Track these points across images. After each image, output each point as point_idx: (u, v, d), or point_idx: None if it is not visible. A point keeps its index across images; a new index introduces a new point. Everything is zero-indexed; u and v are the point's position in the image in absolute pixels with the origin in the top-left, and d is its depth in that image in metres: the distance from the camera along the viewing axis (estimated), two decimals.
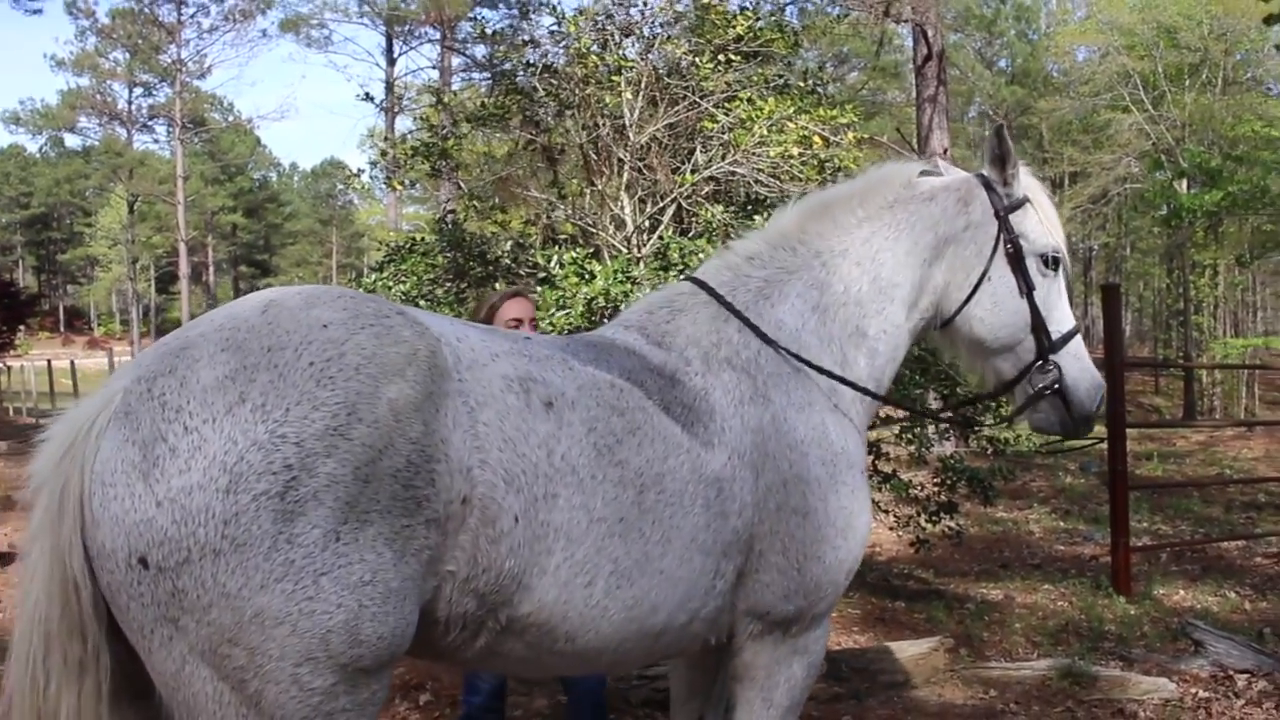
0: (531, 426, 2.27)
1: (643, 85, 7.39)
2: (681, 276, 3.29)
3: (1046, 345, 3.09)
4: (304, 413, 1.94)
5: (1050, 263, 3.13)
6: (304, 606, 1.91)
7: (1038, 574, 9.10)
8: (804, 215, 3.15)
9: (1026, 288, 3.08)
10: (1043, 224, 3.14)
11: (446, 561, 2.15)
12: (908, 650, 5.92)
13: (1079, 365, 3.12)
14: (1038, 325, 3.09)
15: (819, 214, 3.14)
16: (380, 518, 1.99)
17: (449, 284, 7.43)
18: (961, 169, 3.38)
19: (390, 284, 7.04)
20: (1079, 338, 3.18)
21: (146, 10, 44.93)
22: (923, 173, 3.25)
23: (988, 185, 3.15)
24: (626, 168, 7.39)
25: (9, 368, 27.60)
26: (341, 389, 1.99)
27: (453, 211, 8.83)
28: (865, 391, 2.97)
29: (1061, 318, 3.13)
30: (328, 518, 1.93)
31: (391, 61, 40.43)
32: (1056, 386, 3.10)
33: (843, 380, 2.92)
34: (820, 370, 2.88)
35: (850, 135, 7.55)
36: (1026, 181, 3.19)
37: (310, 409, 1.95)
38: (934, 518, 7.67)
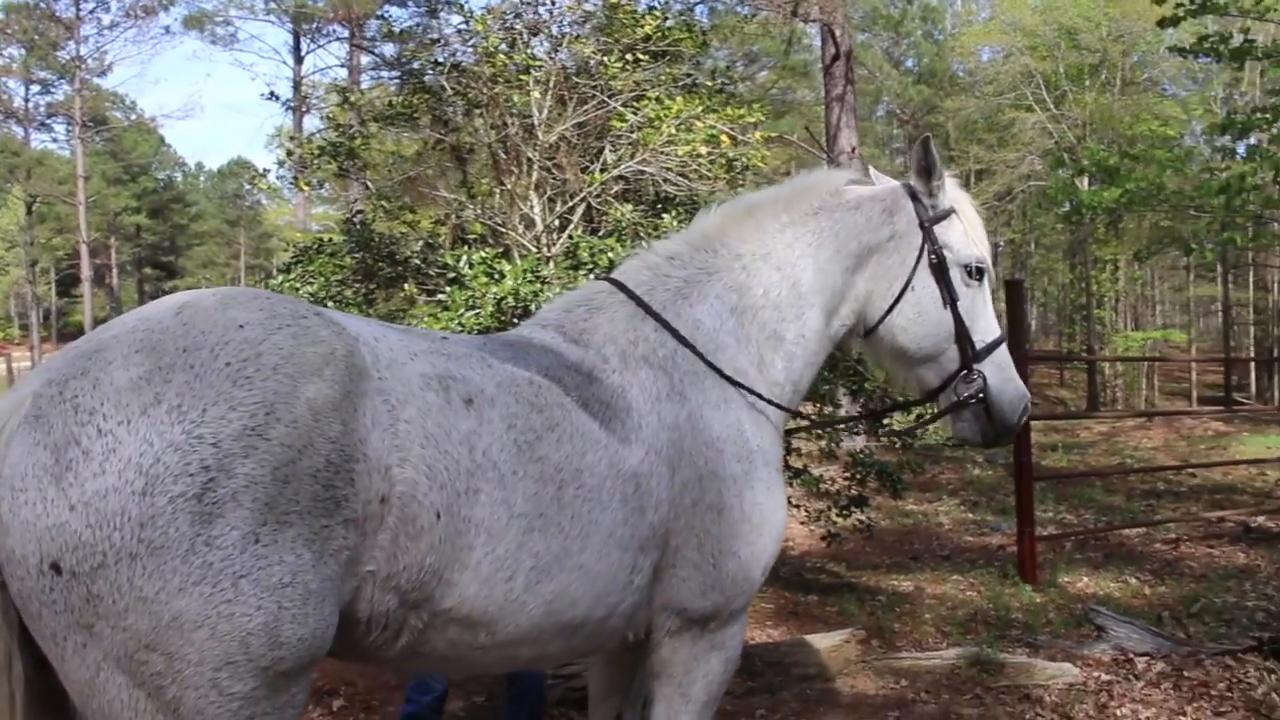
0: (453, 423, 2.28)
1: (551, 84, 7.37)
2: (600, 276, 3.29)
3: (970, 355, 3.12)
4: (221, 413, 1.92)
5: (974, 273, 3.16)
6: (223, 610, 1.89)
7: (947, 565, 9.27)
8: (727, 218, 3.17)
9: (950, 298, 3.11)
10: (967, 235, 3.18)
11: (366, 561, 2.14)
12: (820, 643, 5.99)
13: (1002, 376, 3.16)
14: (961, 335, 3.12)
15: (742, 217, 3.16)
16: (300, 519, 1.97)
17: (358, 285, 7.33)
18: (885, 173, 3.43)
19: (298, 285, 6.91)
20: (1004, 348, 3.21)
21: (43, 5, 43.59)
22: (850, 181, 3.28)
23: (914, 195, 3.19)
24: (535, 167, 7.36)
25: None
26: (259, 389, 1.97)
27: (361, 212, 8.71)
28: (770, 402, 2.98)
29: (986, 328, 3.17)
30: (246, 519, 1.90)
31: (299, 59, 39.78)
32: (981, 396, 3.14)
33: (747, 389, 2.92)
34: (722, 374, 2.89)
35: (758, 134, 7.61)
36: (952, 193, 3.23)
37: (227, 409, 1.93)
38: (845, 512, 7.76)
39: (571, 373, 2.67)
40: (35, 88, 49.29)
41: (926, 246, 3.12)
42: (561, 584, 2.44)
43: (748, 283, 3.05)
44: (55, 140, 52.73)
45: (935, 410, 3.33)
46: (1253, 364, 38.40)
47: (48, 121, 50.63)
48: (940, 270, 3.12)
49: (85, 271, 42.22)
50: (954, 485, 14.97)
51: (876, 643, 6.61)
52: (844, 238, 3.13)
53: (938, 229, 3.15)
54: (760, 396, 2.94)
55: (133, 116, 53.97)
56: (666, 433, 2.70)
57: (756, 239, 3.11)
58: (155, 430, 1.88)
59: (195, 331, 2.02)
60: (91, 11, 43.10)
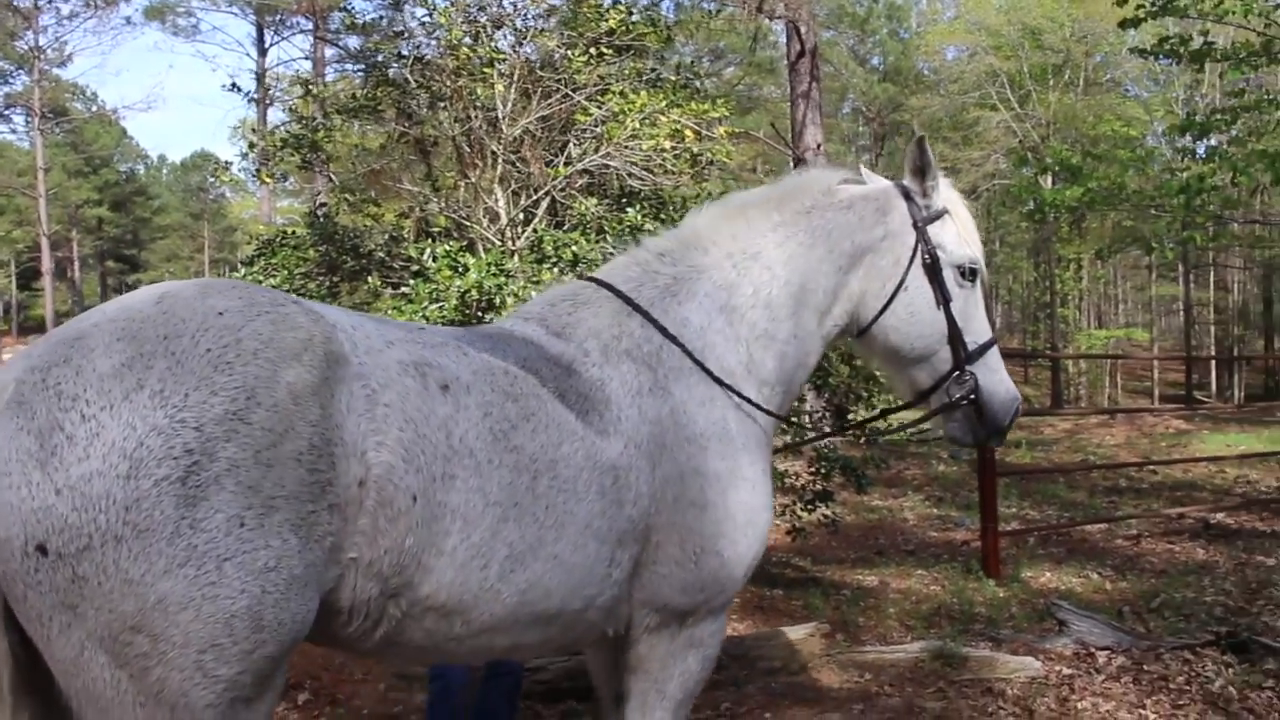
0: (430, 408, 2.30)
1: (515, 78, 7.33)
2: (583, 275, 3.27)
3: (963, 356, 3.12)
4: (203, 398, 1.96)
5: (968, 274, 3.16)
6: (208, 592, 1.91)
7: (911, 560, 9.31)
8: (718, 216, 3.16)
9: (943, 299, 3.10)
10: (961, 236, 3.17)
11: (348, 548, 2.16)
12: (785, 637, 5.99)
13: (995, 377, 3.16)
14: (954, 336, 3.11)
15: (734, 215, 3.14)
16: (285, 504, 2.01)
17: (321, 278, 7.27)
18: (881, 175, 3.40)
19: (261, 278, 6.85)
20: (996, 350, 3.20)
21: None
22: (843, 180, 3.26)
23: (907, 195, 3.17)
24: (500, 160, 7.32)
25: None
26: (239, 374, 2.01)
27: (325, 205, 8.65)
28: (754, 404, 2.95)
29: (979, 329, 3.16)
30: (231, 502, 1.94)
31: (263, 52, 39.46)
32: (972, 397, 3.13)
33: (731, 389, 2.89)
34: (708, 372, 2.86)
35: (723, 130, 7.60)
36: (946, 194, 3.21)
37: (209, 394, 1.97)
38: (810, 506, 7.78)
39: (550, 364, 2.66)
40: None
41: (920, 247, 3.11)
42: (536, 573, 2.43)
43: (738, 281, 3.02)
44: (14, 131, 51.97)
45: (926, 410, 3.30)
46: (1213, 362, 38.95)
47: (6, 112, 49.93)
48: (934, 271, 3.10)
49: (46, 265, 41.67)
50: (919, 481, 15.06)
51: (841, 637, 6.63)
52: (836, 237, 3.11)
53: (931, 229, 3.14)
54: (744, 398, 2.91)
55: (94, 108, 53.38)
56: (648, 427, 2.68)
57: (748, 237, 3.09)
58: (138, 415, 1.92)
59: (175, 319, 2.06)
60: (50, 1, 42.47)
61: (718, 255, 3.07)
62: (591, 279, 3.05)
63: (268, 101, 35.37)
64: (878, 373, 6.94)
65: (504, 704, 4.32)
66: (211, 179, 66.19)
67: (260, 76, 37.12)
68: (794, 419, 6.51)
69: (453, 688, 4.23)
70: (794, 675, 5.73)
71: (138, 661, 1.93)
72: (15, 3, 41.70)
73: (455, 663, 3.83)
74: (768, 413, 3.00)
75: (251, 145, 8.79)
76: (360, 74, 9.05)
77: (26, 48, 43.64)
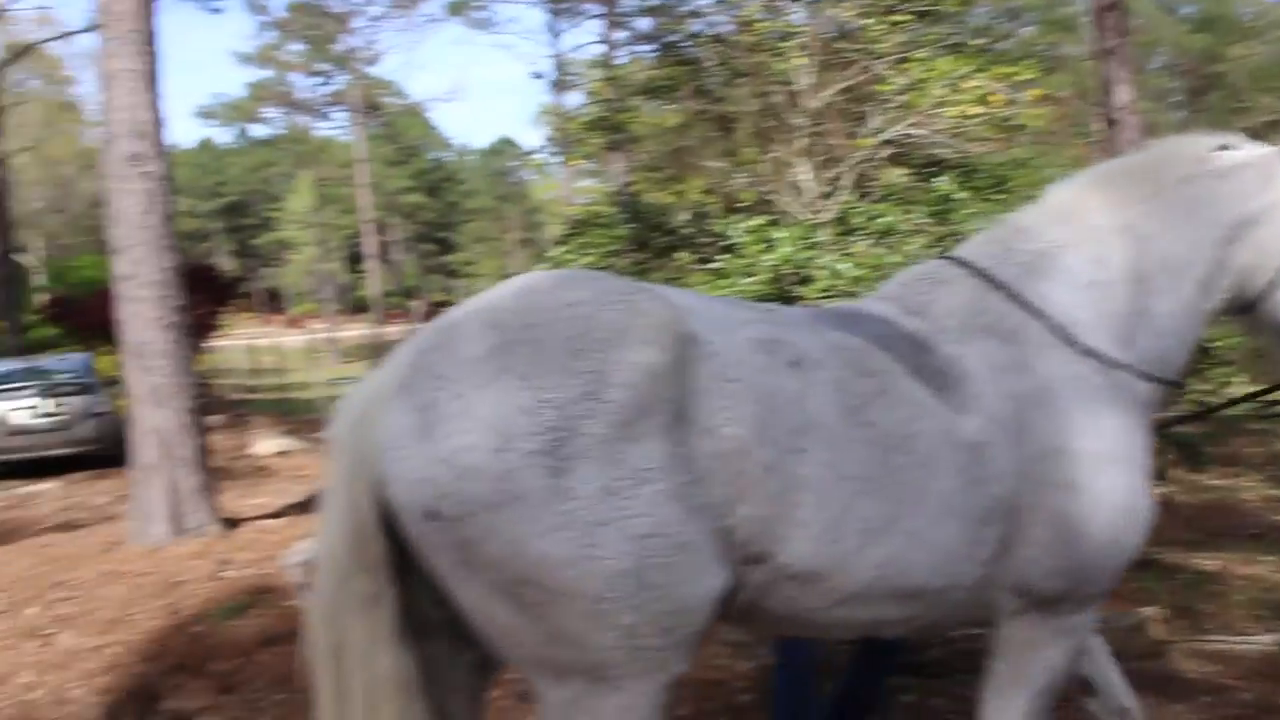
0: (780, 384, 2.33)
1: (812, 50, 7.25)
2: (943, 255, 3.19)
3: None
4: (561, 380, 2.11)
5: None
6: (587, 552, 2.06)
7: (1257, 544, 8.58)
8: (1083, 189, 3.01)
9: None
10: None
11: (708, 516, 2.23)
12: (1123, 621, 5.68)
13: None
14: None
15: (1100, 187, 2.99)
16: (655, 475, 2.12)
17: (630, 255, 7.48)
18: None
19: (574, 256, 7.12)
20: None
21: (319, 2, 46.57)
22: (1218, 147, 3.03)
23: None
24: (802, 134, 7.28)
25: (214, 348, 29.21)
26: (594, 358, 2.15)
27: (630, 183, 8.88)
28: (1140, 373, 2.78)
29: None
30: (599, 474, 2.07)
31: (557, 37, 40.88)
32: None
33: (1101, 361, 2.73)
34: (1080, 347, 2.72)
35: (1031, 93, 7.25)
36: None
37: (567, 376, 2.12)
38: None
39: (905, 341, 2.62)
40: (316, 79, 52.98)
41: None
42: (894, 548, 2.42)
43: (1106, 256, 2.86)
44: (336, 127, 56.49)
45: None
46: None
47: (329, 110, 54.35)
48: None
49: (369, 248, 45.02)
50: (1259, 459, 13.85)
51: (1182, 623, 6.20)
52: (1214, 208, 2.90)
53: None
54: (1121, 368, 2.75)
55: (404, 101, 57.10)
56: (1009, 404, 2.59)
57: (1115, 210, 2.92)
58: (505, 395, 2.09)
59: (535, 309, 2.23)
60: (362, 5, 45.68)
61: (1084, 229, 2.90)
62: (949, 257, 2.97)
63: (566, 86, 36.67)
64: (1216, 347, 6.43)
65: (873, 686, 4.25)
66: (515, 163, 69.65)
67: (557, 62, 38.51)
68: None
69: (801, 675, 4.20)
70: (1133, 661, 5.40)
71: (535, 609, 2.11)
72: (332, 9, 45.13)
73: (819, 634, 3.76)
74: (1158, 380, 2.83)
75: (560, 129, 9.13)
76: (653, 55, 9.22)
77: (343, 50, 47.24)
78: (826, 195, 7.28)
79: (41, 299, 31.69)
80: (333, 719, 2.31)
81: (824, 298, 5.49)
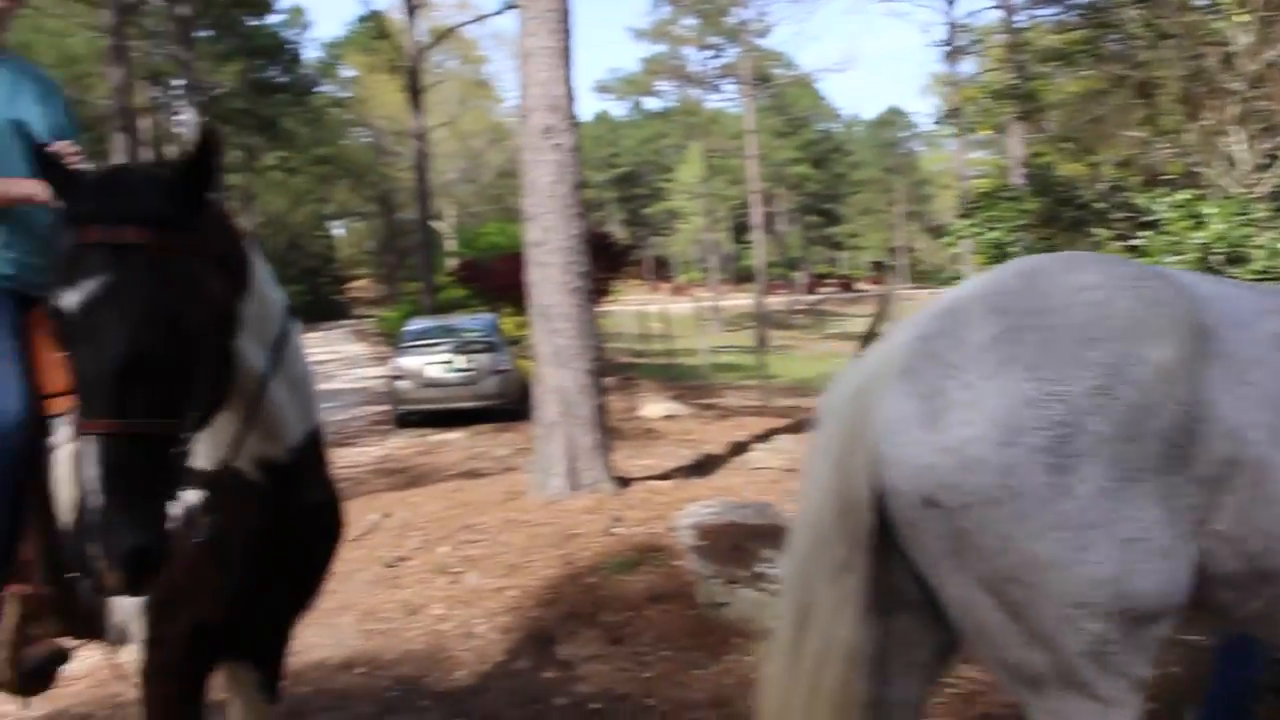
0: None
1: (1254, 6, 6.67)
2: None
3: None
4: (1071, 372, 2.02)
5: None
6: (1075, 556, 1.99)
7: None
8: None
9: None
10: None
11: (1214, 521, 2.11)
12: None
13: None
14: None
15: None
16: (1150, 476, 2.01)
17: (1039, 230, 7.25)
18: None
19: (980, 230, 6.99)
20: None
21: None
22: None
23: None
24: (1237, 100, 6.74)
25: (607, 313, 30.75)
26: (1106, 350, 2.05)
27: (1036, 154, 8.57)
28: None
29: None
30: (1097, 474, 1.99)
31: (952, 3, 39.61)
32: None
33: None
34: None
35: None
36: None
37: (1078, 369, 2.03)
38: None
39: None
40: (708, 53, 54.47)
41: None
42: None
43: None
44: (726, 100, 57.82)
45: None
46: None
47: (719, 83, 55.71)
48: None
49: (755, 218, 45.84)
50: None
51: None
52: None
53: None
54: None
55: (793, 73, 57.47)
56: None
57: None
58: (1012, 386, 2.03)
59: (1042, 294, 2.14)
60: None
61: None
62: None
63: (962, 54, 35.52)
64: None
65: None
66: (904, 134, 68.34)
67: (952, 29, 37.36)
68: None
69: (1241, 690, 3.97)
70: None
71: (1014, 607, 2.06)
72: None
73: None
74: None
75: (964, 98, 8.95)
76: (1062, 17, 8.81)
77: (735, 23, 48.18)
78: (1263, 167, 6.70)
79: (452, 263, 34.01)
80: (780, 673, 2.33)
81: (1260, 279, 5.10)
